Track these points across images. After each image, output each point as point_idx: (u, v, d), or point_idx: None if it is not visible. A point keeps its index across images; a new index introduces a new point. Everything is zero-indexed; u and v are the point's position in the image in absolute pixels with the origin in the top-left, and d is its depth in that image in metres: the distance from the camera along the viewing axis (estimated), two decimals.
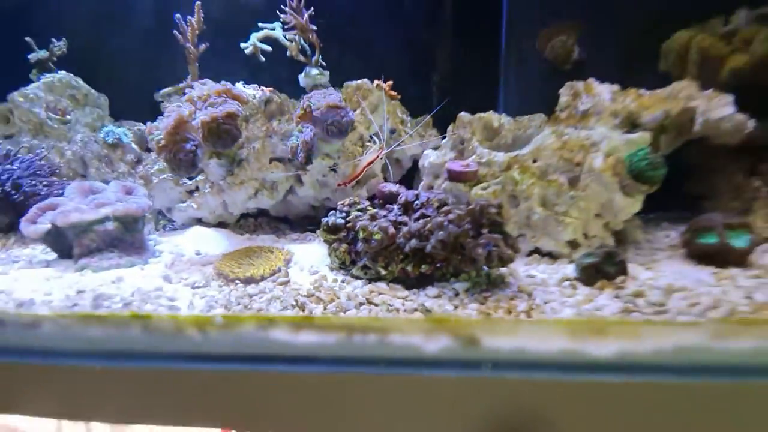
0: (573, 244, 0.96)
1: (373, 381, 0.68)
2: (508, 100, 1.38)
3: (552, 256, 0.98)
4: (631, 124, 1.04)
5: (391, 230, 0.88)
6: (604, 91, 1.09)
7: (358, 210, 0.97)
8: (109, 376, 0.74)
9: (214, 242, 1.14)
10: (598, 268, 0.84)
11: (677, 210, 1.30)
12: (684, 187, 1.23)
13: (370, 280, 0.90)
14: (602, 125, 1.01)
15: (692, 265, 0.91)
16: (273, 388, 0.70)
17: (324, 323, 0.71)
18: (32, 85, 1.30)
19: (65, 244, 1.03)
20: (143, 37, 1.50)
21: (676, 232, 1.11)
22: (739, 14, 1.09)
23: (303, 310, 0.80)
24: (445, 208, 0.87)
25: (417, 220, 0.89)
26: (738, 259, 0.87)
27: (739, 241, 0.87)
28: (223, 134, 0.99)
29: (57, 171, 1.18)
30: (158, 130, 0.96)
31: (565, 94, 1.15)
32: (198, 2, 1.23)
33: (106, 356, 0.75)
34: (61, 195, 1.09)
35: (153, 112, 1.39)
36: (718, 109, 1.00)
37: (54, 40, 1.34)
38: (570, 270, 0.89)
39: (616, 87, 1.11)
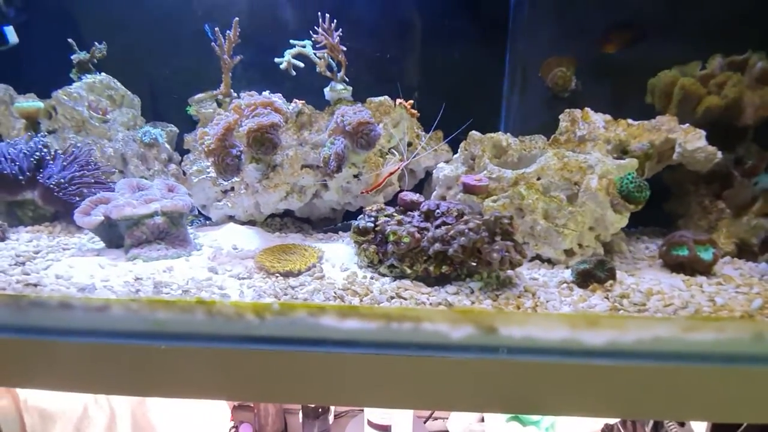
0: (569, 253, 1.11)
1: (407, 361, 0.81)
2: (511, 121, 1.54)
3: (551, 262, 1.13)
4: (621, 150, 1.20)
5: (417, 235, 1.01)
6: (598, 120, 1.26)
7: (385, 216, 1.10)
8: (172, 355, 0.85)
9: (247, 238, 1.25)
10: (591, 274, 0.99)
11: (656, 226, 1.48)
12: (663, 206, 1.41)
13: (396, 278, 1.03)
14: (597, 150, 1.17)
15: (667, 273, 1.08)
16: (321, 367, 0.82)
17: (367, 312, 0.83)
18: (75, 85, 1.38)
19: (114, 235, 1.12)
20: (174, 44, 1.59)
21: (654, 245, 1.28)
22: (715, 60, 1.27)
23: (343, 301, 0.92)
24: (465, 217, 1.01)
25: (439, 227, 1.03)
26: (704, 269, 1.04)
27: (705, 254, 1.04)
28: (266, 142, 1.10)
29: (101, 167, 1.27)
30: (209, 136, 1.07)
31: (564, 120, 1.31)
32: (236, 18, 1.34)
33: (170, 337, 0.86)
34: (110, 190, 1.19)
35: (180, 115, 1.49)
36: (693, 141, 1.17)
37: (96, 43, 1.42)
38: (567, 274, 1.04)
39: (608, 117, 1.28)
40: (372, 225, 1.09)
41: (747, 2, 1.31)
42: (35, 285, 0.93)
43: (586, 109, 1.27)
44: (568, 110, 1.30)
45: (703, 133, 1.17)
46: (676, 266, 1.07)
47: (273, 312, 0.84)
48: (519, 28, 1.47)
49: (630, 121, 1.26)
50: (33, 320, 0.88)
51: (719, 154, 1.19)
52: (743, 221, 1.15)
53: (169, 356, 0.85)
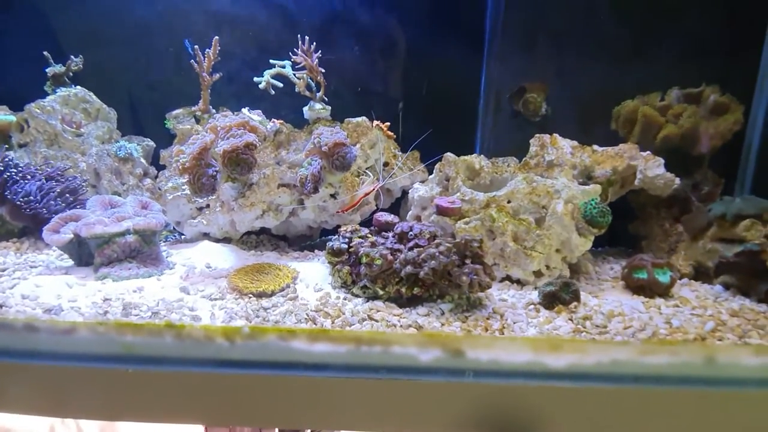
0: (537, 274, 1.15)
1: (377, 384, 0.82)
2: (485, 142, 1.59)
3: (520, 283, 1.17)
4: (586, 176, 1.26)
5: (390, 257, 1.03)
6: (566, 146, 1.31)
7: (359, 237, 1.12)
8: (141, 379, 0.84)
9: (222, 256, 1.25)
10: (557, 296, 1.03)
11: (622, 245, 1.55)
12: (627, 227, 1.47)
13: (369, 299, 1.05)
14: (564, 176, 1.22)
15: (629, 294, 1.12)
16: (293, 391, 0.83)
17: (337, 335, 0.84)
18: (49, 98, 1.36)
19: (84, 253, 1.11)
20: (151, 58, 1.59)
21: (619, 265, 1.34)
22: (673, 92, 1.35)
23: (315, 324, 0.93)
24: (436, 240, 1.04)
25: (411, 249, 1.05)
26: (662, 291, 1.09)
27: (663, 277, 1.09)
28: (241, 162, 1.11)
29: (73, 183, 1.25)
30: (184, 155, 1.07)
31: (534, 145, 1.36)
32: (216, 37, 1.35)
33: (138, 361, 0.85)
34: (79, 207, 1.17)
35: (157, 128, 1.49)
36: (653, 168, 1.24)
37: (72, 56, 1.41)
38: (534, 296, 1.08)
39: (575, 143, 1.34)
40: (346, 246, 1.10)
41: (702, 38, 1.40)
42: (0, 306, 0.91)
43: (555, 135, 1.33)
44: (538, 135, 1.36)
45: (661, 161, 1.24)
46: (636, 288, 1.12)
47: (243, 336, 0.84)
48: (493, 55, 1.53)
49: (595, 147, 1.32)
50: None
51: (677, 181, 1.26)
52: (699, 245, 1.22)
53: (137, 380, 0.84)
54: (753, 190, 1.43)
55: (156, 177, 1.47)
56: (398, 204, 1.54)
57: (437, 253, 0.99)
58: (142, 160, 1.46)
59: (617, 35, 1.42)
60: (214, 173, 1.09)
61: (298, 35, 1.34)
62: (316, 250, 1.37)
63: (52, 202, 1.16)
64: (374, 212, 1.35)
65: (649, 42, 1.39)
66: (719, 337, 0.92)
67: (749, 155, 1.44)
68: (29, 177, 1.17)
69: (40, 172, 1.19)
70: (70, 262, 1.14)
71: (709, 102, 1.28)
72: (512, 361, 0.83)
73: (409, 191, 1.39)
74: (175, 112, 1.41)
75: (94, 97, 1.46)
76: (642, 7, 1.40)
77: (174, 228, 1.45)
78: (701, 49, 1.40)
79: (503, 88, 1.54)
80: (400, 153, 1.48)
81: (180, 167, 1.09)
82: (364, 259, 1.03)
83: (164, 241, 1.42)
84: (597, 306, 1.05)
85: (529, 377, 0.83)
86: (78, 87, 1.43)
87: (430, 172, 1.41)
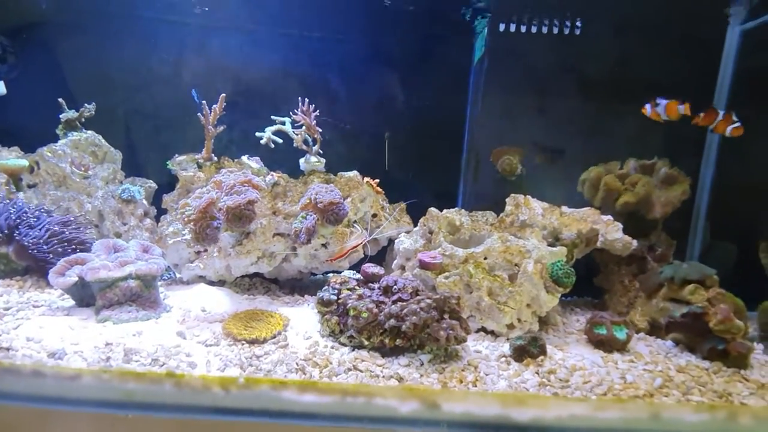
0: (510, 326, 1.26)
1: None
2: (466, 197, 1.73)
3: (494, 334, 1.27)
4: (555, 237, 1.40)
5: (375, 310, 1.13)
6: (537, 207, 1.45)
7: (348, 289, 1.21)
8: (139, 425, 0.90)
9: (216, 300, 1.32)
10: (526, 349, 1.14)
11: (587, 296, 1.68)
12: (593, 280, 1.61)
13: (354, 348, 1.13)
14: (534, 236, 1.35)
15: (590, 348, 1.24)
16: None
17: (325, 387, 0.93)
18: (60, 142, 1.44)
19: (86, 294, 1.17)
20: (156, 103, 1.70)
21: (584, 317, 1.46)
22: (630, 162, 1.52)
23: (304, 373, 1.01)
24: (418, 297, 1.14)
25: (395, 302, 1.15)
26: (620, 346, 1.21)
27: (620, 334, 1.21)
28: (243, 216, 1.21)
29: (79, 225, 1.31)
30: (190, 207, 1.16)
31: (509, 204, 1.49)
32: (223, 94, 1.47)
33: (138, 407, 0.91)
34: (86, 249, 1.24)
35: (158, 166, 1.58)
36: (612, 233, 1.38)
37: (86, 104, 1.50)
38: (506, 348, 1.19)
39: (546, 204, 1.48)
40: (335, 297, 1.20)
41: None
42: (7, 349, 0.96)
43: (528, 197, 1.47)
44: (513, 195, 1.50)
45: (620, 226, 1.39)
46: (597, 343, 1.24)
47: (238, 386, 0.92)
48: (475, 121, 1.69)
49: (564, 208, 1.46)
50: (4, 386, 0.90)
51: (635, 243, 1.41)
52: (653, 303, 1.35)
53: (135, 426, 0.90)
54: (702, 251, 1.59)
55: (156, 217, 1.55)
56: (384, 251, 1.64)
57: (418, 309, 1.10)
58: (144, 202, 1.53)
59: (584, 108, 1.60)
60: (218, 225, 1.18)
61: (299, 97, 1.47)
62: (306, 295, 1.45)
63: (58, 247, 1.23)
64: (362, 260, 1.45)
65: (610, 117, 1.57)
66: (666, 393, 1.04)
67: (698, 219, 1.61)
68: (40, 220, 1.24)
69: (52, 217, 1.26)
70: (72, 302, 1.19)
71: (660, 173, 1.45)
72: (482, 414, 0.93)
73: (395, 241, 1.50)
74: (178, 159, 1.51)
75: (102, 140, 1.54)
76: (604, 85, 1.59)
77: (169, 267, 1.52)
78: (655, 124, 1.58)
79: (482, 150, 1.69)
80: (388, 205, 1.60)
81: (185, 219, 1.18)
82: (351, 312, 1.13)
83: (160, 280, 1.48)
84: (561, 360, 1.15)
85: (498, 429, 0.92)
86: (89, 132, 1.52)
87: (415, 223, 1.53)
